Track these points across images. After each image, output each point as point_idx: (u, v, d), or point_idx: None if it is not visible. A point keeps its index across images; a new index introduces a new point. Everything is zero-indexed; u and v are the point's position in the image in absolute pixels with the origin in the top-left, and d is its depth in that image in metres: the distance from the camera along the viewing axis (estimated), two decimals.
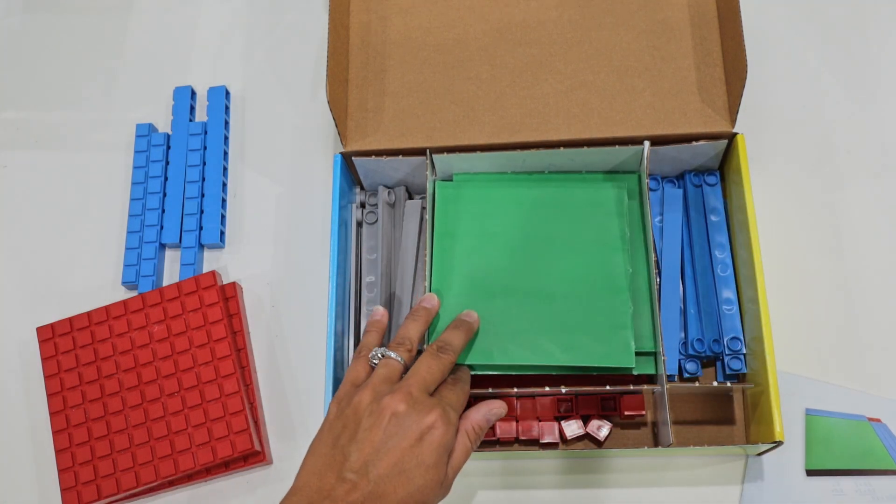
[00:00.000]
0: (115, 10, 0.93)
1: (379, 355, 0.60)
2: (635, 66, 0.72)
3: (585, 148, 0.70)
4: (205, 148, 0.84)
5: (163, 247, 0.82)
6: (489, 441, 0.71)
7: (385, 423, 0.54)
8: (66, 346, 0.75)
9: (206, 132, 0.85)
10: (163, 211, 0.82)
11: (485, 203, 0.72)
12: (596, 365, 0.66)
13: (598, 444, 0.70)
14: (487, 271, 0.70)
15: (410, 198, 0.78)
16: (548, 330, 0.67)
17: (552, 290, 0.68)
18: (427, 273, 0.69)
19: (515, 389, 0.68)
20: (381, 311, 0.66)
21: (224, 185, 0.83)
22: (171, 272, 0.82)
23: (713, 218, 0.73)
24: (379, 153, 0.72)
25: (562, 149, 0.70)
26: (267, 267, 0.81)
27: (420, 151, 0.72)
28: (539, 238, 0.71)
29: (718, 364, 0.71)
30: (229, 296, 0.78)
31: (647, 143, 0.70)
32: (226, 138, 0.85)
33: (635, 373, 0.67)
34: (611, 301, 0.68)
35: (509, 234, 0.71)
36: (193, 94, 0.87)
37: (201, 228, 0.81)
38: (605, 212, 0.71)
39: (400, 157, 0.72)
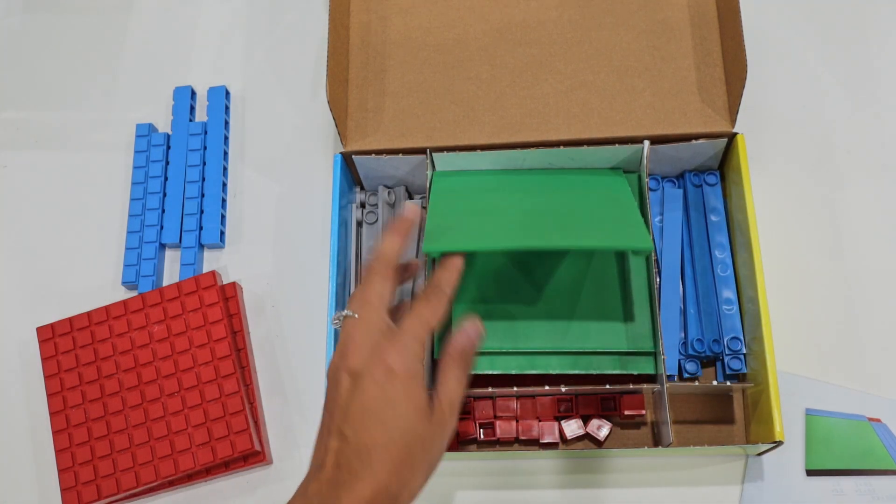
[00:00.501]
0: (115, 10, 0.93)
1: (340, 317, 0.56)
2: (635, 66, 0.72)
3: (585, 147, 0.70)
4: (205, 148, 0.84)
5: (163, 247, 0.82)
6: (489, 441, 0.71)
7: (346, 386, 0.52)
8: (66, 346, 0.75)
9: (206, 132, 0.85)
10: (163, 211, 0.82)
11: (482, 179, 0.72)
12: (610, 246, 0.63)
13: (598, 443, 0.70)
14: (484, 216, 0.67)
15: (410, 198, 0.78)
16: (555, 221, 0.64)
17: (559, 214, 0.66)
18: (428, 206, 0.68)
19: (515, 389, 0.68)
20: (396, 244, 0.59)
21: (224, 185, 0.83)
22: (171, 272, 0.82)
23: (713, 218, 0.73)
24: (379, 153, 0.72)
25: (562, 147, 0.70)
26: (267, 267, 0.81)
27: (420, 151, 0.72)
28: (540, 199, 0.69)
29: (718, 364, 0.71)
30: (229, 296, 0.78)
31: (646, 143, 0.70)
32: (226, 138, 0.85)
33: (635, 372, 0.67)
34: (619, 209, 0.65)
35: (507, 200, 0.69)
36: (193, 94, 0.87)
37: (201, 228, 0.81)
38: (608, 181, 0.71)
39: (400, 155, 0.72)
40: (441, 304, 0.56)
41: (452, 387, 0.54)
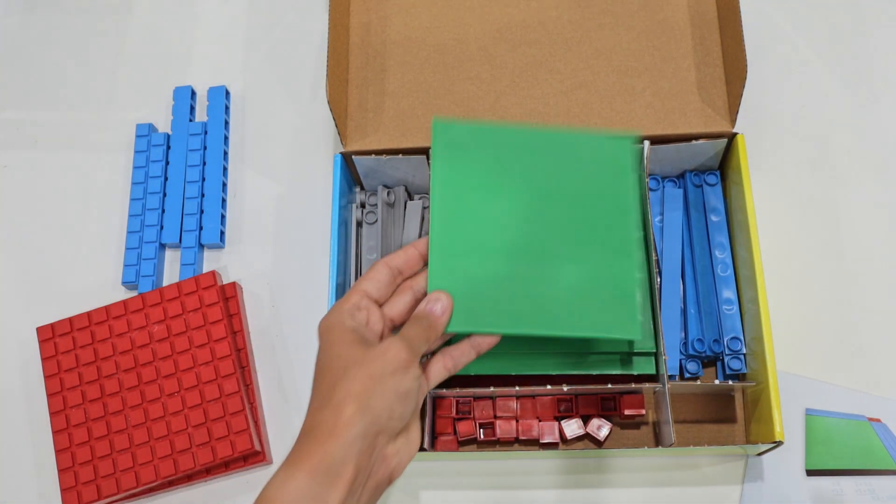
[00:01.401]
0: (115, 10, 0.93)
1: None
2: (635, 66, 0.72)
3: None
4: (205, 148, 0.84)
5: (163, 247, 0.82)
6: (489, 441, 0.71)
7: None
8: (66, 346, 0.75)
9: (206, 132, 0.85)
10: (163, 211, 0.82)
11: (488, 154, 0.66)
12: (600, 336, 0.63)
13: (598, 443, 0.70)
14: (490, 228, 0.64)
15: (410, 198, 0.78)
16: (550, 298, 0.62)
17: (558, 253, 0.64)
18: (430, 224, 0.64)
19: (517, 388, 0.68)
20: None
21: (224, 185, 0.83)
22: (171, 272, 0.82)
23: (713, 218, 0.74)
24: (379, 153, 0.72)
25: None
26: (267, 267, 0.81)
27: (420, 151, 0.72)
28: (546, 195, 0.65)
29: (718, 364, 0.71)
30: (229, 296, 0.78)
31: (646, 143, 0.70)
32: (226, 138, 0.85)
33: (636, 372, 0.67)
34: (618, 267, 0.63)
35: (515, 189, 0.65)
36: (193, 94, 0.87)
37: (201, 228, 0.81)
38: (616, 172, 0.66)
39: (400, 155, 0.72)
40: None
41: (409, 329, 0.56)
